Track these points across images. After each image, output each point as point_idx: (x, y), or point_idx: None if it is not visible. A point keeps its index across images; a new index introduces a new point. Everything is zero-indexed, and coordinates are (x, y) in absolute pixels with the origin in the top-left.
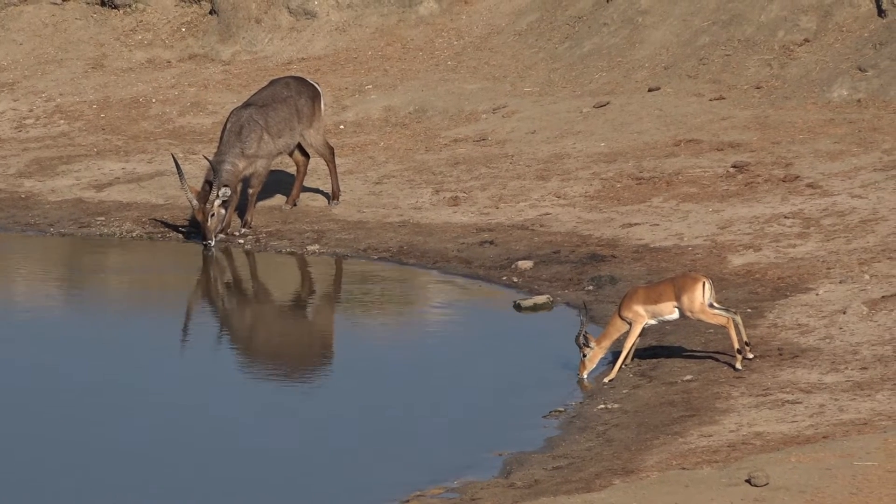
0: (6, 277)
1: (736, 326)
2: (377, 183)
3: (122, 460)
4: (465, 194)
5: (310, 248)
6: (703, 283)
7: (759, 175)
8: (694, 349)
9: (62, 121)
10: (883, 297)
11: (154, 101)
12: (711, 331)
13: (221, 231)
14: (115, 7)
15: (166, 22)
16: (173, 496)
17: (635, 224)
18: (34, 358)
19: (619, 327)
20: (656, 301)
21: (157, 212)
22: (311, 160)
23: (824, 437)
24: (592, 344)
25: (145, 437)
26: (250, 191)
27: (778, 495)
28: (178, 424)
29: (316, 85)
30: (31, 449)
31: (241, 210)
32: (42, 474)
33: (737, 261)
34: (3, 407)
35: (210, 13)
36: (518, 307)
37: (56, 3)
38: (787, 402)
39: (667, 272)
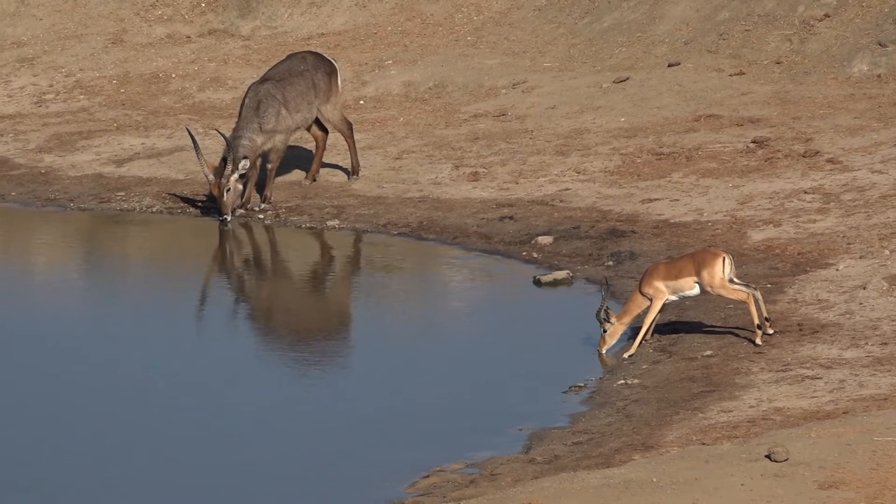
0: (28, 252)
1: (756, 302)
2: (397, 158)
3: (134, 448)
4: (484, 170)
5: (329, 223)
6: (724, 258)
7: (779, 150)
8: (714, 325)
9: (82, 96)
10: None
11: (174, 76)
12: (731, 306)
13: (241, 206)
14: None
15: None
16: (187, 483)
17: (655, 199)
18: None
19: (639, 303)
20: (677, 277)
21: (176, 187)
22: (330, 135)
23: (844, 413)
24: (613, 319)
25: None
26: (269, 166)
27: (798, 470)
28: (208, 405)
29: (332, 60)
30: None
31: (261, 186)
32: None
33: (757, 236)
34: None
35: None
36: (538, 283)
37: None
38: (807, 377)
39: (687, 248)
